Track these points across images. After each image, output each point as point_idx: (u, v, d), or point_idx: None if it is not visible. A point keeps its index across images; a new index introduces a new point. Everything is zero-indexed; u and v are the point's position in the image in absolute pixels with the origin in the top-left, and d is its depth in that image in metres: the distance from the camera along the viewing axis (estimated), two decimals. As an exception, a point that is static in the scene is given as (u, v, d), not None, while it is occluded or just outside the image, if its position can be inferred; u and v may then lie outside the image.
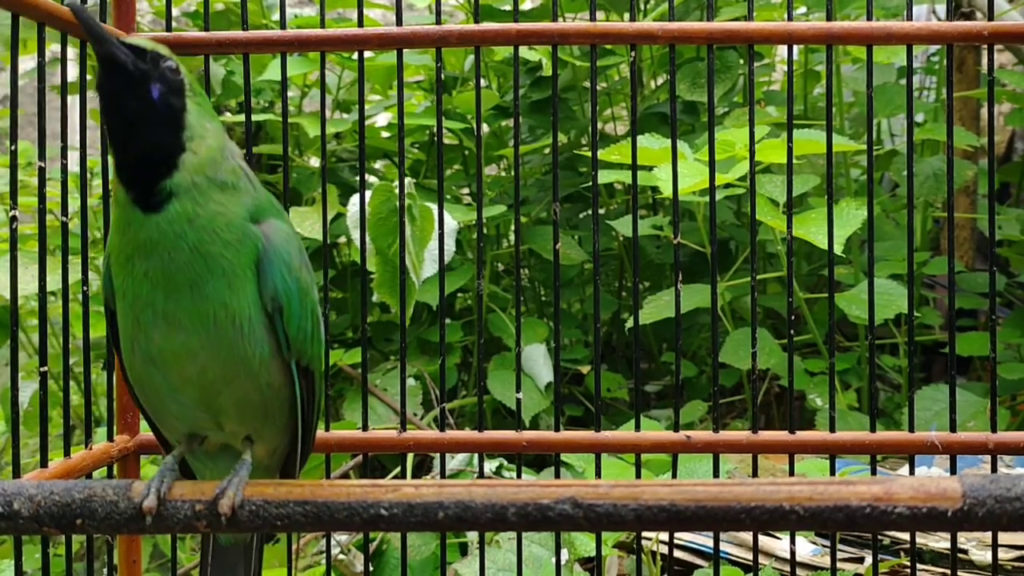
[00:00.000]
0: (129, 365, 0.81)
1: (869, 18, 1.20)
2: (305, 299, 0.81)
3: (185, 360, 0.77)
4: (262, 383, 0.80)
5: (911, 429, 1.20)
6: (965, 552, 1.61)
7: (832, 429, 1.20)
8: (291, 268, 0.79)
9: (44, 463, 1.04)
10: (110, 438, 1.17)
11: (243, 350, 0.78)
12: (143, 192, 0.75)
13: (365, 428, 1.21)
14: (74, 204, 1.90)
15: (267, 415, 0.82)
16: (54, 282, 1.55)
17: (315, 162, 2.72)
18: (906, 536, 1.61)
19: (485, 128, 2.56)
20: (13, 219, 1.00)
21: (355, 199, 1.65)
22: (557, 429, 1.22)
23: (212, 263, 0.76)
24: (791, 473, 1.23)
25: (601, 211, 2.62)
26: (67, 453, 1.09)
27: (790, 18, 1.21)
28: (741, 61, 2.35)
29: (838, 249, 1.64)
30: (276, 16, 2.49)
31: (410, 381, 2.21)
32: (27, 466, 1.91)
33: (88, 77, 1.15)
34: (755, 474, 1.24)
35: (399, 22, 1.22)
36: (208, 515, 0.75)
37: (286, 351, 0.80)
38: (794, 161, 1.23)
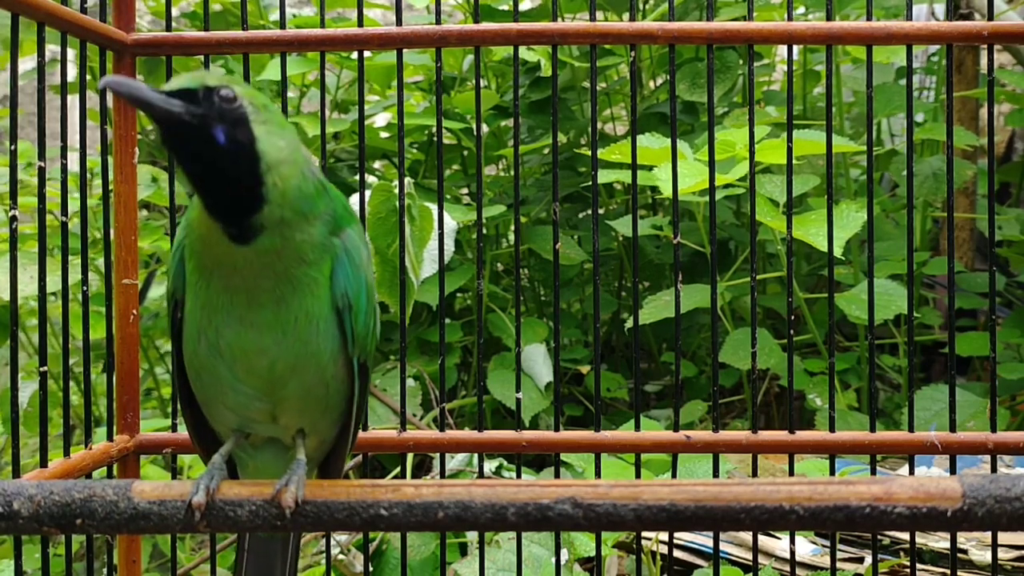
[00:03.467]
0: (191, 355, 0.81)
1: (869, 18, 1.20)
2: (371, 297, 0.82)
3: (255, 356, 0.78)
4: (327, 376, 0.81)
5: (911, 429, 1.20)
6: (965, 552, 1.61)
7: (832, 429, 1.20)
8: (360, 268, 0.80)
9: (44, 463, 1.04)
10: (110, 438, 1.17)
11: (315, 346, 0.79)
12: (235, 227, 0.74)
13: (365, 428, 1.21)
14: (74, 204, 1.90)
15: (326, 408, 0.83)
16: (54, 282, 1.56)
17: (315, 162, 2.71)
18: (906, 536, 1.61)
19: (484, 128, 2.55)
20: (13, 219, 1.00)
21: (354, 199, 1.65)
22: (557, 429, 1.22)
23: (296, 283, 0.76)
24: (791, 473, 1.23)
25: (601, 211, 2.62)
26: (67, 453, 1.09)
27: (790, 18, 1.21)
28: (741, 61, 2.35)
29: (838, 251, 1.63)
30: (275, 16, 2.49)
31: (410, 381, 2.21)
32: (27, 466, 1.91)
33: (88, 77, 1.15)
34: (755, 474, 1.24)
35: (399, 22, 1.22)
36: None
37: (351, 347, 0.81)
38: (794, 161, 1.23)
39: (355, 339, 0.81)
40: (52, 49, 1.96)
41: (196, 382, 0.82)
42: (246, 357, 0.78)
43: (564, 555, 1.54)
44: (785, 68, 1.25)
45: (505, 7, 2.49)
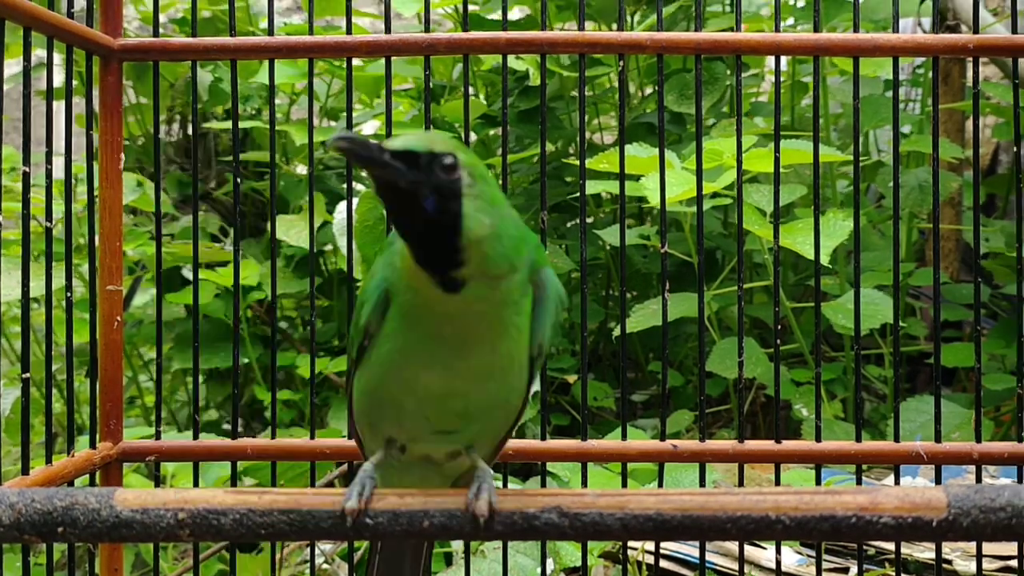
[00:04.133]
0: (378, 382, 0.82)
1: (856, 30, 1.20)
2: (555, 340, 0.86)
3: (450, 397, 0.79)
4: (511, 409, 0.84)
5: (896, 439, 1.21)
6: (950, 562, 1.62)
7: (818, 439, 1.20)
8: (557, 318, 0.82)
9: (25, 470, 1.03)
10: (92, 445, 1.16)
11: (512, 387, 0.81)
12: (439, 277, 0.75)
13: (350, 436, 1.21)
14: (58, 210, 1.89)
15: (499, 433, 0.86)
16: (37, 288, 1.54)
17: (302, 170, 2.71)
18: (891, 546, 1.62)
19: (473, 137, 2.56)
20: (-4, 224, 0.99)
21: (342, 207, 1.65)
22: (543, 438, 1.21)
23: (505, 325, 0.78)
24: (777, 483, 1.23)
25: (589, 220, 2.62)
26: (49, 460, 1.08)
27: (777, 29, 1.22)
28: (729, 72, 2.36)
29: (825, 259, 1.64)
30: (264, 24, 2.49)
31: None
32: (8, 473, 1.89)
33: (74, 83, 1.14)
34: (741, 484, 1.24)
35: (387, 30, 1.22)
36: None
37: (532, 384, 0.84)
38: (781, 171, 1.23)
39: (533, 378, 0.83)
40: (38, 54, 1.94)
41: (370, 407, 0.84)
42: (442, 396, 0.79)
43: (550, 565, 1.54)
44: (773, 79, 1.25)
45: (494, 16, 2.49)
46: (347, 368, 0.87)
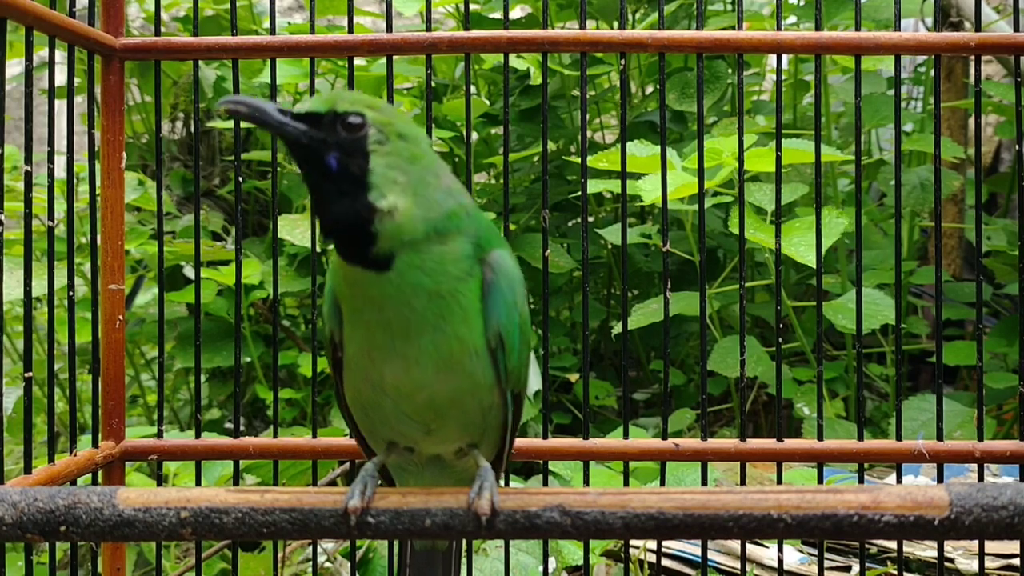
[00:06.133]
0: (355, 391, 0.81)
1: (858, 28, 1.20)
2: (525, 333, 0.81)
3: (416, 391, 0.78)
4: (484, 405, 0.81)
5: (898, 438, 1.20)
6: (952, 561, 1.62)
7: (820, 437, 1.20)
8: (515, 305, 0.79)
9: (28, 469, 1.03)
10: (95, 444, 1.16)
11: (473, 379, 0.78)
12: (361, 259, 0.73)
13: (352, 436, 1.21)
14: (60, 209, 1.89)
15: (484, 434, 0.84)
16: (40, 287, 1.55)
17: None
18: (893, 545, 1.62)
19: (474, 136, 2.56)
20: (-1, 223, 0.99)
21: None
22: (545, 437, 1.21)
23: (450, 301, 0.75)
24: (779, 481, 1.23)
25: (590, 219, 2.62)
26: (51, 459, 1.09)
27: (779, 28, 1.22)
28: (730, 71, 2.36)
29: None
30: (266, 24, 2.49)
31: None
32: (11, 473, 1.90)
33: (76, 81, 1.15)
34: (743, 482, 1.24)
35: (389, 29, 1.22)
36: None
37: (504, 383, 0.81)
38: (782, 170, 1.23)
39: (507, 376, 0.80)
40: (40, 54, 1.95)
41: (360, 414, 0.83)
42: (408, 392, 0.78)
43: (552, 563, 1.54)
44: (774, 78, 1.25)
45: (496, 15, 2.49)
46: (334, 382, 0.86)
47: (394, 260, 0.73)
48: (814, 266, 1.43)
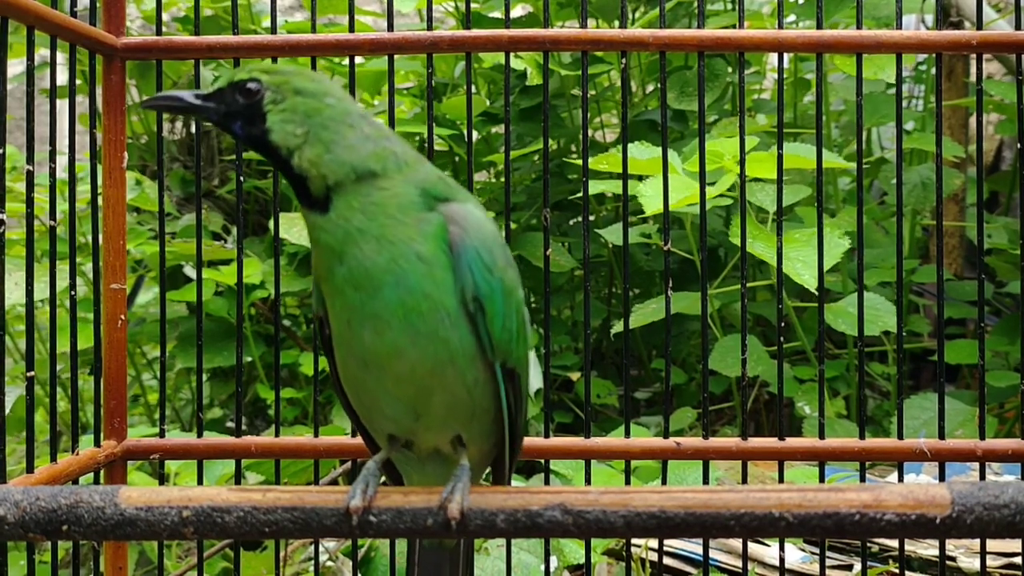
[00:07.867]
0: (343, 370, 0.82)
1: (859, 27, 1.20)
2: (509, 298, 0.80)
3: (394, 359, 0.77)
4: (468, 381, 0.79)
5: (900, 436, 1.20)
6: (953, 559, 1.62)
7: (821, 436, 1.20)
8: (490, 264, 0.78)
9: (30, 468, 1.03)
10: (97, 443, 1.16)
11: (449, 345, 0.77)
12: (308, 201, 0.78)
13: (354, 434, 1.21)
14: (62, 209, 1.89)
15: (473, 416, 0.82)
16: (41, 288, 1.55)
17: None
18: (895, 543, 1.62)
19: (475, 134, 2.56)
20: (0, 223, 0.99)
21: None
22: (546, 436, 1.21)
23: (404, 248, 0.76)
24: (780, 480, 1.23)
25: (591, 218, 2.62)
26: (53, 459, 1.09)
27: (780, 26, 1.22)
28: (730, 69, 2.36)
29: (812, 285, 1.57)
30: (267, 23, 2.49)
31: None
32: (13, 472, 1.90)
33: (77, 81, 1.15)
34: (744, 481, 1.24)
35: (390, 28, 1.22)
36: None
37: (490, 352, 0.79)
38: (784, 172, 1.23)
39: (493, 345, 0.79)
40: (41, 53, 1.95)
41: (352, 396, 0.83)
42: (387, 361, 0.77)
43: (553, 562, 1.54)
44: (775, 76, 1.25)
45: (496, 14, 2.49)
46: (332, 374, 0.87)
47: (332, 202, 0.76)
48: (813, 287, 1.42)
